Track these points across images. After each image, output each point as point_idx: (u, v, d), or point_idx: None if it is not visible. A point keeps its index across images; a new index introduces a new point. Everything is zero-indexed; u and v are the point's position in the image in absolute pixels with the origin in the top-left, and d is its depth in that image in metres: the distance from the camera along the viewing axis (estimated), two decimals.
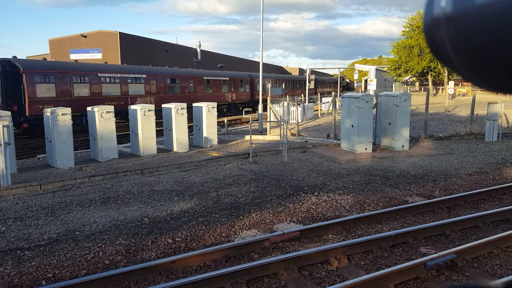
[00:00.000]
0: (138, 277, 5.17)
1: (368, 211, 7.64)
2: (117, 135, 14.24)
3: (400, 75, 50.11)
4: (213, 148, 15.64)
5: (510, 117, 20.37)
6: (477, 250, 5.77)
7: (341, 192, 8.77)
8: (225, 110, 34.93)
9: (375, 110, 14.25)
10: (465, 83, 54.09)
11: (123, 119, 22.19)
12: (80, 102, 21.61)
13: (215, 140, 16.39)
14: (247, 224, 6.97)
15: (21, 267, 5.43)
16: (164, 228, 6.80)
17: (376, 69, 50.49)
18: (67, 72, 22.61)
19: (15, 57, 22.24)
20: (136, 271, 5.18)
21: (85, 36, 45.66)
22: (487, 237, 6.20)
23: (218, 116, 28.89)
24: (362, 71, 57.79)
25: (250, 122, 13.84)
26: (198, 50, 54.82)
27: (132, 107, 14.78)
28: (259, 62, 23.45)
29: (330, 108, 26.55)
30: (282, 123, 14.74)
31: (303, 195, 8.55)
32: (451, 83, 39.90)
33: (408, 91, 43.33)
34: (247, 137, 15.37)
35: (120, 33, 44.53)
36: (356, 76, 62.74)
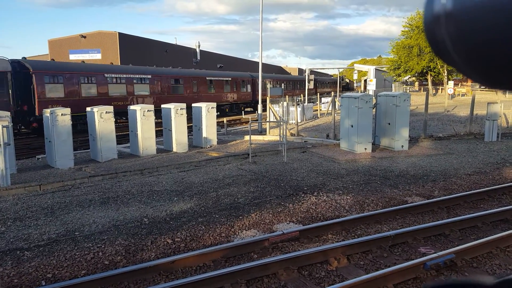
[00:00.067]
0: (138, 277, 5.16)
1: (367, 211, 7.64)
2: (116, 135, 14.24)
3: (399, 75, 50.12)
4: (212, 149, 15.64)
5: (509, 117, 20.38)
6: (477, 250, 5.78)
7: (340, 192, 8.77)
8: (227, 110, 35.36)
9: (374, 110, 14.25)
10: (464, 83, 54.18)
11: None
12: (88, 102, 21.77)
13: (214, 141, 16.39)
14: (247, 224, 6.97)
15: (21, 268, 5.42)
16: (163, 228, 6.80)
17: (376, 69, 50.55)
18: (75, 72, 23.08)
19: (24, 58, 22.71)
20: (136, 271, 5.18)
21: (85, 37, 45.62)
22: (486, 237, 6.20)
23: (220, 116, 29.24)
24: (361, 71, 57.83)
25: (250, 122, 13.84)
26: (198, 50, 54.81)
27: (132, 107, 14.78)
28: (258, 62, 23.46)
29: (330, 108, 26.58)
30: (281, 123, 14.74)
31: (303, 195, 8.55)
32: (451, 83, 39.95)
33: (408, 91, 43.34)
34: (247, 137, 15.37)
35: (119, 33, 44.50)
36: (355, 76, 62.80)
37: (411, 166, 11.31)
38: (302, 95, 37.44)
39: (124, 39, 44.91)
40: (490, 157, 12.60)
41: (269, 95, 22.95)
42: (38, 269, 5.40)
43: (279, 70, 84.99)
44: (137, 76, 26.76)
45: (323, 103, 32.28)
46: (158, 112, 16.18)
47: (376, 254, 5.86)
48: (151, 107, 14.66)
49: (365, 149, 13.23)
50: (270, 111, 21.23)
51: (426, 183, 9.65)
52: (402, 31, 47.89)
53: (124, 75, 25.88)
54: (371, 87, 37.82)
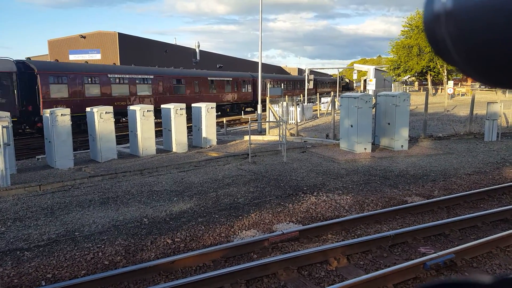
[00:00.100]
0: (138, 278, 5.16)
1: (367, 211, 7.64)
2: (116, 136, 14.24)
3: (399, 75, 50.13)
4: (212, 149, 15.64)
5: (509, 117, 20.39)
6: (476, 250, 5.78)
7: (340, 192, 8.77)
8: (228, 110, 35.67)
9: (374, 110, 14.25)
10: (464, 83, 54.21)
11: None
12: (91, 102, 21.92)
13: (214, 141, 16.39)
14: (246, 224, 6.97)
15: (21, 268, 5.42)
16: (163, 228, 6.80)
17: (375, 69, 50.54)
18: (79, 73, 23.33)
19: (28, 58, 22.97)
20: (136, 272, 5.18)
21: (84, 37, 45.62)
22: (486, 237, 6.20)
23: (222, 116, 29.41)
24: (361, 71, 57.81)
25: (249, 122, 13.85)
26: (197, 50, 54.82)
27: (131, 107, 14.79)
28: (258, 62, 23.48)
29: (329, 108, 26.59)
30: (281, 123, 14.74)
31: (302, 195, 8.55)
32: (450, 82, 39.99)
33: (407, 91, 43.34)
34: (246, 138, 15.38)
35: (119, 33, 44.51)
36: (355, 76, 62.79)
37: (411, 166, 11.31)
38: (301, 95, 37.47)
39: (124, 39, 44.92)
40: (490, 156, 12.61)
41: (268, 95, 22.95)
42: (38, 269, 5.39)
43: (279, 70, 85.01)
44: (139, 76, 27.00)
45: (322, 103, 32.29)
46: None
47: (376, 254, 5.86)
48: (151, 107, 14.67)
49: (365, 149, 13.24)
50: (270, 111, 21.23)
51: (426, 183, 9.65)
52: (402, 31, 47.91)
53: (127, 76, 26.13)
54: (371, 87, 37.82)
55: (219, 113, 33.74)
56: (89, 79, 23.81)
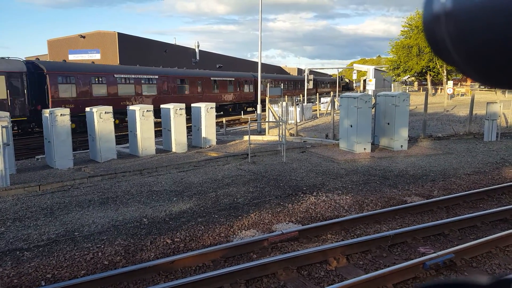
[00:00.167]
0: (137, 278, 5.16)
1: (366, 211, 7.65)
2: (116, 136, 14.24)
3: (399, 75, 50.15)
4: (211, 149, 15.63)
5: (509, 117, 20.40)
6: (476, 249, 5.78)
7: (339, 192, 8.78)
8: (230, 110, 36.08)
9: (373, 110, 14.26)
10: (464, 83, 54.22)
11: None
12: (98, 101, 22.19)
13: (213, 141, 16.39)
14: (246, 224, 6.97)
15: (20, 268, 5.42)
16: (163, 228, 6.80)
17: (375, 69, 50.52)
18: (86, 73, 23.71)
19: (37, 59, 23.28)
20: (135, 272, 5.18)
21: (84, 37, 45.59)
22: (485, 236, 6.20)
23: (224, 116, 29.50)
24: (360, 71, 57.80)
25: (249, 122, 13.83)
26: (197, 50, 54.78)
27: (131, 107, 14.78)
28: (257, 62, 23.47)
29: (329, 108, 26.60)
30: (280, 123, 14.74)
31: (302, 195, 8.55)
32: (450, 83, 40.01)
33: (407, 91, 43.36)
34: (246, 138, 15.37)
35: (118, 33, 44.48)
36: (354, 76, 62.80)
37: (410, 166, 11.31)
38: (301, 95, 37.51)
39: (124, 39, 44.91)
40: (490, 156, 12.61)
41: (268, 95, 22.96)
42: (37, 270, 5.39)
43: (279, 70, 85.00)
44: (144, 76, 27.42)
45: (322, 103, 32.30)
46: (159, 112, 16.23)
47: (375, 254, 5.86)
48: (150, 107, 14.66)
49: (364, 149, 13.24)
50: (269, 111, 21.23)
51: (426, 183, 9.65)
52: (402, 31, 47.95)
53: (133, 76, 26.52)
54: (370, 87, 37.84)
55: (221, 112, 34.12)
56: (96, 79, 24.17)
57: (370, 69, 47.82)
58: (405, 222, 7.19)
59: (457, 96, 45.49)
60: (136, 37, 48.43)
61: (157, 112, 15.93)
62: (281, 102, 22.52)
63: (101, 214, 7.51)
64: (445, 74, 45.37)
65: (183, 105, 15.47)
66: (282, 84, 43.85)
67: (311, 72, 46.76)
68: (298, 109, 22.84)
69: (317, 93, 37.90)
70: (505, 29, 0.38)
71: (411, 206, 7.77)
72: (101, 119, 13.22)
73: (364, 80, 55.12)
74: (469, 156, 12.75)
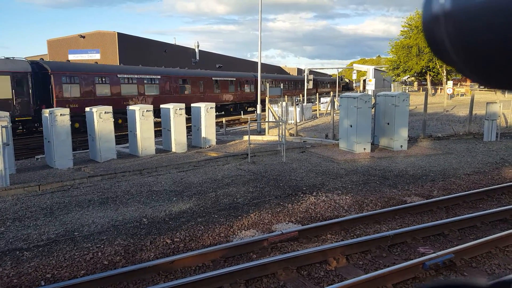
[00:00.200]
0: (137, 278, 5.16)
1: (366, 211, 7.65)
2: (115, 136, 14.23)
3: (398, 75, 50.16)
4: (211, 149, 15.63)
5: (508, 117, 20.41)
6: (476, 250, 5.78)
7: (339, 192, 8.78)
8: (231, 109, 36.33)
9: (373, 110, 14.26)
10: (463, 83, 54.23)
11: None
12: (102, 101, 22.34)
13: (213, 141, 16.39)
14: (246, 224, 6.97)
15: (20, 268, 5.42)
16: (162, 228, 6.80)
17: (375, 69, 50.52)
18: (90, 73, 23.94)
19: (42, 59, 23.56)
20: (135, 272, 5.18)
21: (83, 37, 45.57)
22: (485, 237, 6.21)
23: (225, 115, 29.57)
24: (360, 71, 57.81)
25: (249, 122, 13.84)
26: (197, 50, 54.76)
27: (131, 107, 14.78)
28: (257, 62, 23.47)
29: (329, 108, 26.59)
30: (280, 123, 14.74)
31: (302, 195, 8.55)
32: (450, 83, 40.04)
33: (407, 91, 43.36)
34: (246, 138, 15.37)
35: (118, 33, 44.45)
36: (354, 76, 62.82)
37: (410, 166, 11.31)
38: (301, 95, 37.53)
39: (123, 39, 44.89)
40: (489, 157, 12.62)
41: (268, 95, 22.96)
42: (37, 269, 5.39)
43: (278, 70, 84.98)
44: (147, 76, 27.63)
45: (322, 103, 32.30)
46: (160, 112, 16.25)
47: (375, 254, 5.86)
48: (150, 107, 14.66)
49: (364, 149, 13.24)
50: (269, 111, 21.24)
51: (425, 183, 9.65)
52: (401, 31, 47.97)
53: (136, 76, 26.73)
54: (370, 87, 37.85)
55: (223, 112, 34.27)
56: (100, 79, 24.36)
57: (370, 69, 47.83)
58: (404, 222, 7.19)
59: (456, 96, 45.51)
60: (136, 37, 48.41)
61: (158, 112, 15.95)
62: (281, 102, 22.53)
63: (100, 214, 7.51)
64: (444, 74, 45.39)
65: (182, 105, 15.47)
66: (282, 84, 43.92)
67: (311, 72, 46.77)
68: (298, 109, 22.85)
69: (317, 93, 37.90)
70: (504, 30, 0.38)
71: (411, 206, 7.78)
72: (101, 119, 13.22)
73: (364, 80, 55.16)
74: (469, 156, 12.75)
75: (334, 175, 10.38)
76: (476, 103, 18.99)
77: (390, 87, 52.01)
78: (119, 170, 11.14)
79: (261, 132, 20.66)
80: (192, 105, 16.78)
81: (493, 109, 15.65)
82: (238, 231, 6.72)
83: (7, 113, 12.21)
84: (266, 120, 20.53)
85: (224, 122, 22.74)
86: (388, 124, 13.74)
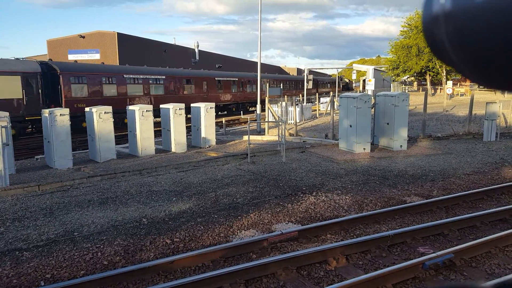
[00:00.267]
0: (137, 278, 5.16)
1: (366, 211, 7.65)
2: (115, 136, 14.23)
3: (398, 75, 50.18)
4: (211, 149, 15.63)
5: (508, 117, 20.41)
6: (475, 249, 5.78)
7: (339, 192, 8.78)
8: (234, 109, 36.67)
9: (373, 110, 14.26)
10: (463, 83, 54.24)
11: None
12: (109, 101, 22.59)
13: (213, 141, 16.38)
14: (246, 224, 6.97)
15: (20, 268, 5.41)
16: (162, 228, 6.79)
17: (374, 69, 50.52)
18: (97, 73, 24.32)
19: (50, 59, 24.03)
20: (135, 272, 5.18)
21: (83, 37, 45.56)
22: (485, 236, 6.21)
23: (227, 115, 29.63)
24: (360, 71, 57.85)
25: (248, 122, 13.84)
26: (196, 50, 54.74)
27: (130, 107, 14.78)
28: (257, 62, 23.47)
29: (328, 108, 26.59)
30: (280, 123, 14.74)
31: (301, 195, 8.55)
32: (449, 83, 40.05)
33: (406, 91, 43.37)
34: (245, 138, 15.37)
35: (118, 33, 44.45)
36: (354, 76, 62.86)
37: (410, 166, 11.31)
38: (300, 95, 37.55)
39: (123, 39, 44.89)
40: (489, 156, 12.62)
41: (267, 95, 22.97)
42: (37, 270, 5.39)
43: (278, 70, 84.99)
44: (152, 76, 27.95)
45: (322, 103, 32.31)
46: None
47: (375, 254, 5.86)
48: (150, 107, 14.66)
49: (364, 149, 13.24)
50: (269, 111, 21.24)
51: (425, 183, 9.65)
52: (401, 31, 47.99)
53: (141, 76, 27.06)
54: (370, 87, 37.83)
55: (225, 112, 34.41)
56: (107, 79, 24.66)
57: (369, 69, 47.83)
58: (404, 222, 7.19)
59: (456, 96, 45.52)
60: (135, 37, 48.41)
61: (159, 112, 15.95)
62: (280, 102, 22.53)
63: (100, 214, 7.51)
64: (444, 74, 45.42)
65: (182, 105, 15.47)
66: (282, 84, 43.98)
67: (311, 72, 46.80)
68: (298, 109, 22.84)
69: (317, 93, 37.91)
70: (504, 30, 0.38)
71: (411, 206, 7.78)
72: (101, 119, 13.22)
73: (364, 80, 55.13)
74: (469, 156, 12.75)
75: (333, 175, 10.38)
76: (475, 103, 19.00)
77: (390, 87, 52.02)
78: (118, 170, 11.14)
79: (260, 132, 20.67)
80: (191, 105, 16.79)
81: (492, 109, 15.66)
82: (238, 231, 6.72)
83: (7, 113, 12.21)
84: (266, 120, 20.54)
85: (224, 122, 22.74)
86: (387, 124, 13.74)
